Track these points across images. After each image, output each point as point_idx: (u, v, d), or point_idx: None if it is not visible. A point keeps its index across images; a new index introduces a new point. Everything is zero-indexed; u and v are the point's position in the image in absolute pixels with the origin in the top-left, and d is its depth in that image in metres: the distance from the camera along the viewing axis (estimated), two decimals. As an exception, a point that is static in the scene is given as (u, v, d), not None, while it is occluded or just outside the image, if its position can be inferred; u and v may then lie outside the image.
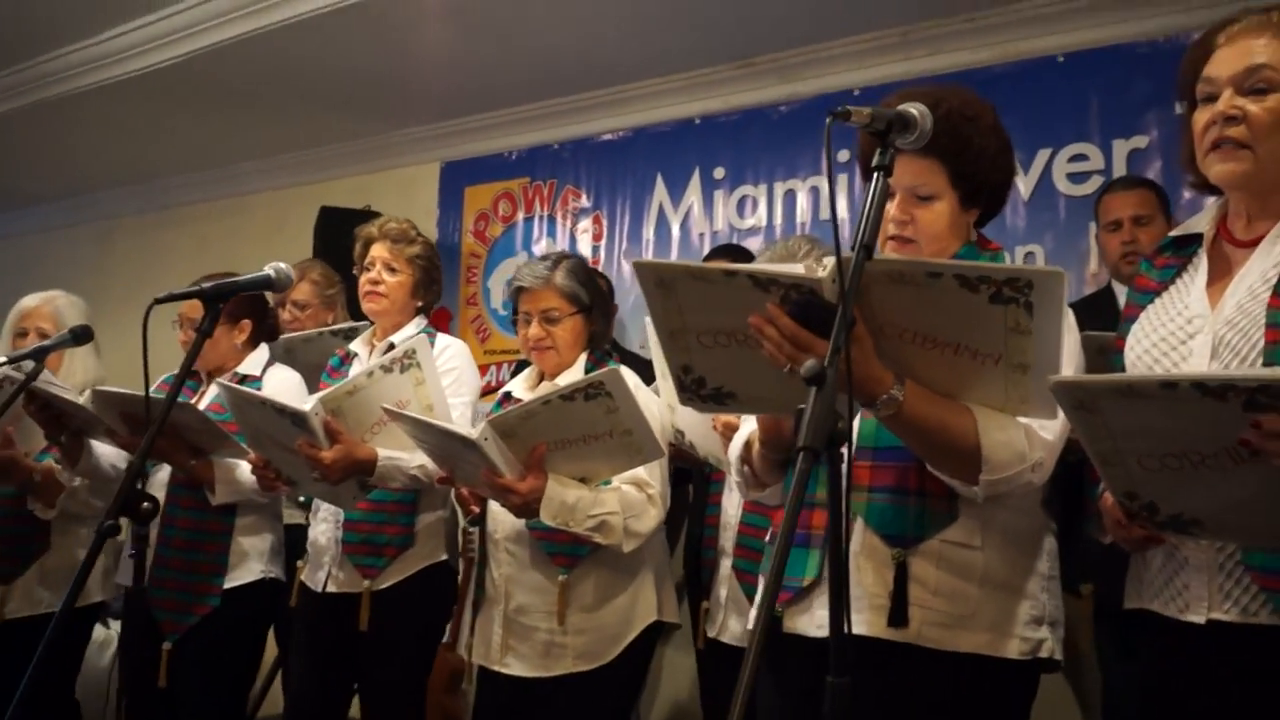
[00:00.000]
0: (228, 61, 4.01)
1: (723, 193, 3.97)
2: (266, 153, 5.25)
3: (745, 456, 1.71)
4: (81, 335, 2.42)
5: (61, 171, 5.83)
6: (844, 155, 3.49)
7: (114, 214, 6.29)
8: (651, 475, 2.19)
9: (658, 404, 2.25)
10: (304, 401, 2.51)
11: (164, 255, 5.99)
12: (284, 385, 2.63)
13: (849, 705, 1.00)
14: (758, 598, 1.71)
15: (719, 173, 3.99)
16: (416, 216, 4.50)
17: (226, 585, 2.51)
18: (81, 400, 2.49)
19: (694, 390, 1.49)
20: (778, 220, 3.81)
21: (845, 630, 1.05)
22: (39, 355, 2.38)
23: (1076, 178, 3.25)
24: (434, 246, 2.68)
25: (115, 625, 3.69)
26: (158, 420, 1.68)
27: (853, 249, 1.12)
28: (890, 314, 1.32)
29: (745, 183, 3.93)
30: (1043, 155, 3.30)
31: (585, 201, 4.35)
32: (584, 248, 4.32)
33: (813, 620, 1.53)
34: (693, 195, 4.06)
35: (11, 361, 2.42)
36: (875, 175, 1.19)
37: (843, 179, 3.65)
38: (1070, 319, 1.51)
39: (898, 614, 1.47)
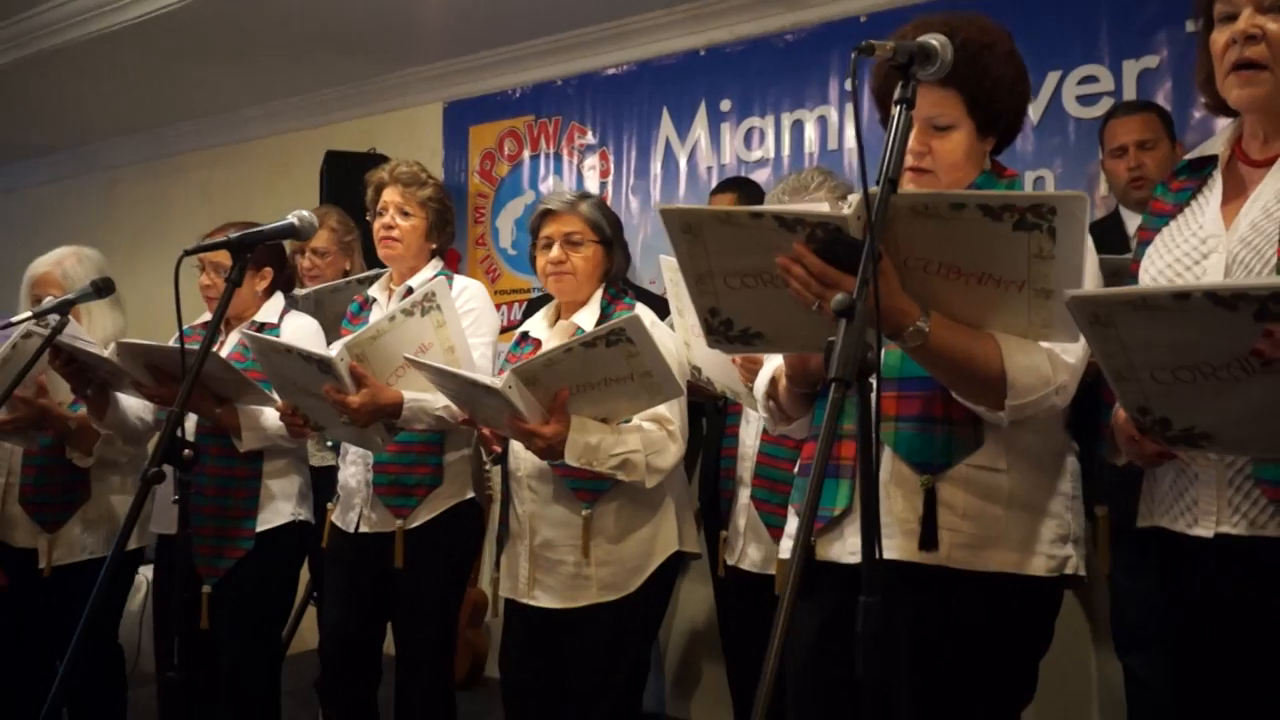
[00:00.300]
0: (228, 5, 3.98)
1: (729, 125, 3.95)
2: (269, 97, 5.24)
3: (771, 392, 1.75)
4: (103, 288, 2.44)
5: (67, 122, 5.83)
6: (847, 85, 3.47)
7: (120, 163, 6.31)
8: (671, 412, 2.24)
9: (675, 342, 2.29)
10: (323, 347, 2.54)
11: (170, 203, 6.02)
12: (303, 332, 2.66)
13: (881, 622, 1.05)
14: (791, 528, 1.74)
15: (725, 105, 3.96)
16: (421, 157, 4.48)
17: (258, 529, 2.57)
18: (106, 353, 2.51)
19: (722, 332, 1.51)
20: (785, 152, 3.80)
21: (876, 554, 1.09)
22: (63, 309, 2.39)
23: (1086, 100, 3.22)
24: (446, 192, 2.68)
25: (145, 571, 3.78)
26: (193, 370, 1.71)
27: (876, 183, 1.14)
28: (914, 247, 1.34)
29: (752, 114, 3.90)
30: (1052, 78, 3.27)
31: (591, 138, 4.34)
32: (591, 184, 4.31)
33: (845, 547, 1.57)
34: (699, 128, 4.04)
35: (37, 316, 2.44)
36: (898, 108, 1.20)
37: (849, 109, 3.63)
38: (1090, 242, 1.53)
39: (928, 538, 1.51)
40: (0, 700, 2.96)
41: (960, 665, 1.52)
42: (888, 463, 1.55)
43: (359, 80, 4.90)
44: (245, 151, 5.63)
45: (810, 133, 3.77)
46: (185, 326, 2.53)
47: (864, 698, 1.09)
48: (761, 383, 1.78)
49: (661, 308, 2.51)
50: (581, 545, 2.25)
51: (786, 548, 1.74)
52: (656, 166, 4.15)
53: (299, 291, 3.05)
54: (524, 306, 4.17)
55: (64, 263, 2.88)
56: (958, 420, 1.52)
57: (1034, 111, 3.28)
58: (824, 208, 1.21)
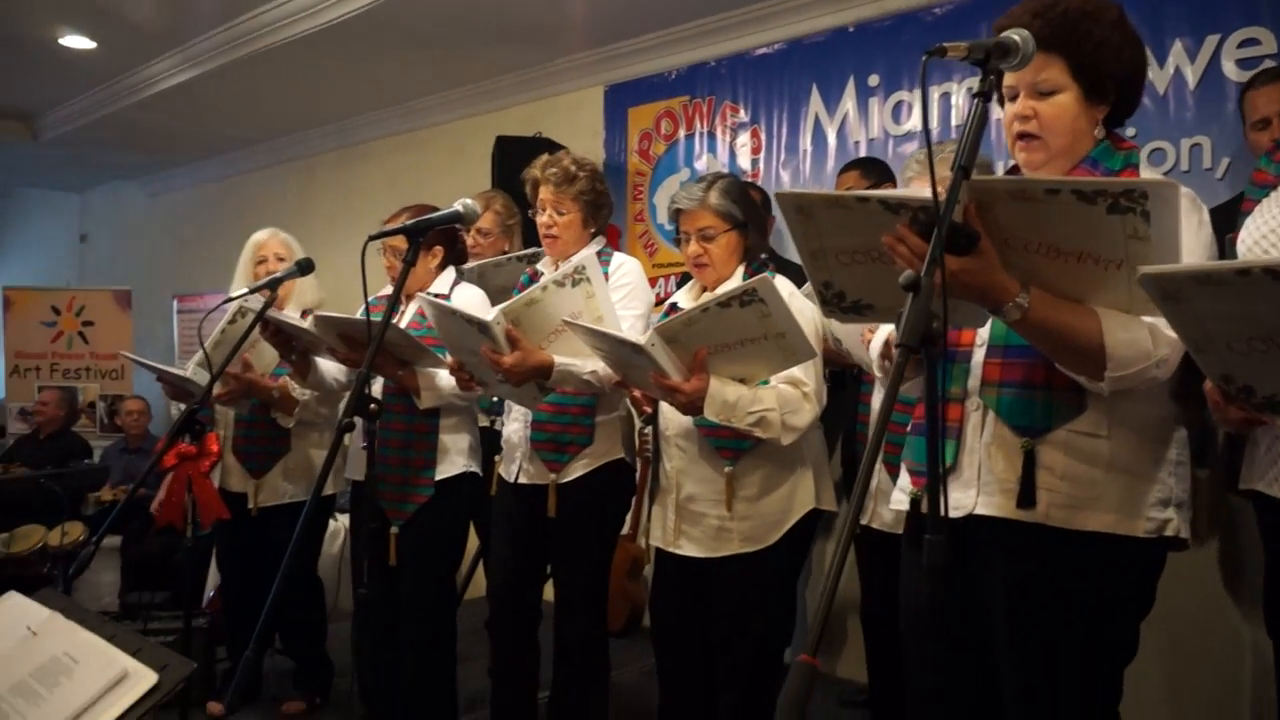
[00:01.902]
0: (409, 6, 4.29)
1: (877, 99, 4.00)
2: (444, 88, 5.57)
3: (885, 354, 1.85)
4: (306, 266, 2.79)
5: (267, 117, 6.36)
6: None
7: (313, 153, 6.83)
8: (806, 374, 2.33)
9: (811, 309, 2.36)
10: (484, 312, 2.80)
11: (358, 188, 6.49)
12: (471, 301, 2.91)
13: (943, 557, 1.19)
14: (903, 482, 1.84)
15: (873, 79, 4.01)
16: (584, 139, 4.77)
17: (437, 478, 2.85)
18: (306, 324, 2.89)
19: (835, 303, 1.62)
20: (933, 124, 3.82)
21: (941, 499, 1.22)
22: (273, 285, 2.76)
23: (1247, 64, 3.10)
24: (598, 173, 2.81)
25: (342, 520, 4.22)
26: (376, 338, 2.00)
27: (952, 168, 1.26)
28: (1014, 228, 1.40)
29: (900, 88, 3.94)
30: (1210, 41, 3.17)
31: (743, 116, 4.46)
32: (743, 162, 4.45)
33: (950, 503, 1.63)
34: (848, 103, 4.10)
35: (250, 292, 2.83)
36: (974, 101, 1.30)
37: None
38: (1201, 218, 1.56)
39: (1025, 496, 1.58)
40: (232, 619, 3.47)
41: (1057, 620, 1.59)
42: (990, 425, 1.63)
43: (526, 68, 5.17)
44: (423, 138, 6.01)
45: (959, 104, 3.77)
46: (370, 299, 2.88)
47: (930, 622, 1.21)
48: (876, 345, 1.88)
49: (804, 280, 2.63)
50: (725, 500, 2.38)
51: (899, 500, 1.86)
52: (806, 142, 4.25)
53: (465, 266, 3.35)
54: (679, 279, 4.36)
55: (279, 234, 3.39)
56: (1059, 387, 1.58)
57: (1192, 77, 3.20)
58: (926, 192, 1.31)
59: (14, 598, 1.57)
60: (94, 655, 1.32)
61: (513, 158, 4.44)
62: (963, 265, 1.39)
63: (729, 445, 2.38)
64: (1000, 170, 3.13)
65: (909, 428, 1.88)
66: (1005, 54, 1.32)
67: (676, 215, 2.49)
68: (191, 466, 2.75)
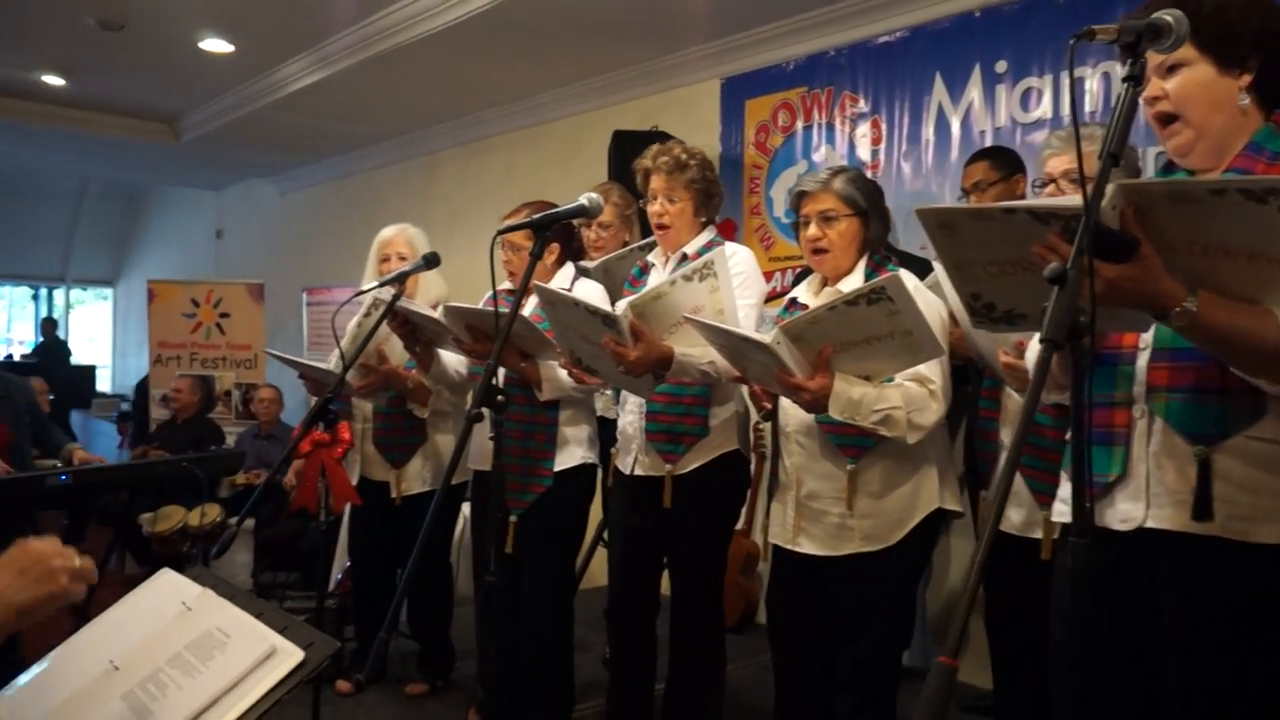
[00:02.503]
0: (531, 3, 4.36)
1: (1005, 86, 3.87)
2: (562, 83, 5.64)
3: None
4: (432, 260, 2.87)
5: (393, 115, 6.55)
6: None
7: (436, 149, 7.01)
8: (933, 372, 2.28)
9: (937, 304, 2.33)
10: (604, 304, 2.82)
11: (478, 183, 6.64)
12: (591, 295, 2.93)
13: (1088, 561, 1.14)
14: (1064, 492, 1.74)
15: (1001, 66, 3.88)
16: (700, 132, 4.76)
17: (556, 468, 2.91)
18: (435, 314, 2.97)
19: (985, 314, 1.57)
20: (1064, 111, 3.67)
21: (1087, 504, 1.17)
22: (401, 279, 2.86)
23: None
24: (708, 162, 2.81)
25: (464, 508, 4.33)
26: (505, 330, 2.04)
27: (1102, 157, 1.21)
28: (1178, 230, 1.33)
29: (1029, 74, 3.80)
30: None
31: (863, 106, 4.38)
32: (863, 153, 4.37)
33: (1116, 514, 1.58)
34: (973, 91, 3.98)
35: (380, 285, 2.93)
36: (1125, 86, 1.25)
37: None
38: None
39: (1202, 508, 1.49)
40: (361, 601, 3.60)
41: (1235, 637, 1.50)
42: (1158, 433, 1.55)
43: (641, 63, 5.19)
44: (542, 134, 6.10)
45: (1093, 88, 3.63)
46: (490, 292, 2.94)
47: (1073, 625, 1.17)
48: (1032, 353, 1.83)
49: (925, 272, 2.58)
50: (846, 498, 2.35)
51: (1060, 511, 1.76)
52: (929, 132, 4.14)
53: (588, 263, 3.38)
54: (796, 274, 4.31)
55: (407, 229, 3.49)
56: (1235, 391, 1.48)
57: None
58: (1077, 200, 1.25)
59: (168, 574, 1.66)
60: (244, 631, 1.38)
61: (630, 152, 4.42)
62: (1122, 273, 1.33)
63: (851, 442, 2.35)
64: (1149, 161, 3.01)
65: (1067, 434, 1.81)
66: (1157, 36, 1.26)
67: (799, 200, 2.46)
68: (325, 453, 2.86)
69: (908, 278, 2.19)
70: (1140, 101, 1.47)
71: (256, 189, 9.50)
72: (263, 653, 1.33)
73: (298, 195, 8.96)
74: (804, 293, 2.54)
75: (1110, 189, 1.29)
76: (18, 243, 12.57)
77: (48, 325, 12.10)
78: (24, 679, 1.42)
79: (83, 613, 3.75)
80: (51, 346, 11.72)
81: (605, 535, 4.22)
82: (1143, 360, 1.58)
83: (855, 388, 2.20)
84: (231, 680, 1.31)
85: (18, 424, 4.00)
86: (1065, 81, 3.69)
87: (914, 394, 2.26)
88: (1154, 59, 1.50)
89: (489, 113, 6.33)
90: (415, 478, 3.44)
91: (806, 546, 2.43)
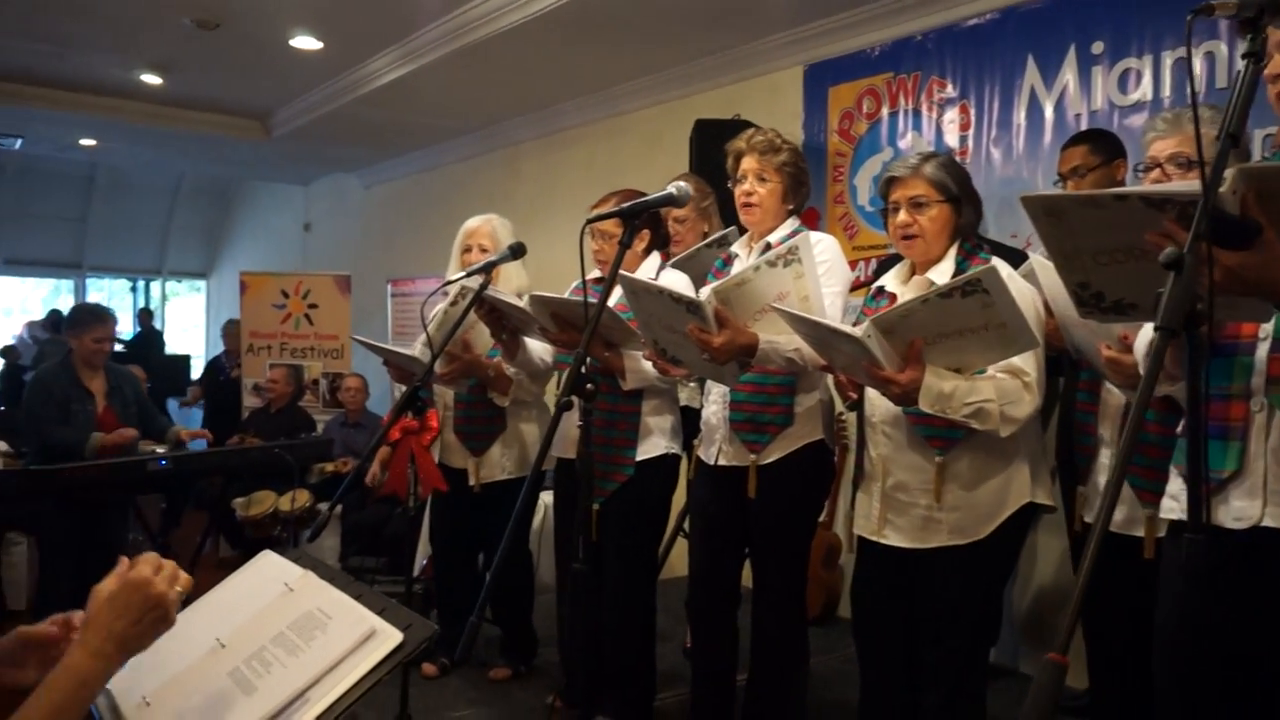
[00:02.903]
0: (607, -4, 4.38)
1: (1102, 68, 3.75)
2: (643, 73, 5.64)
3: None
4: (517, 250, 2.90)
5: (475, 108, 6.63)
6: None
7: (517, 140, 7.08)
8: (1027, 364, 2.22)
9: (1032, 294, 2.27)
10: (689, 292, 2.81)
11: (559, 174, 6.68)
12: (678, 284, 2.92)
13: (1203, 558, 1.10)
14: (1174, 488, 1.69)
15: (1097, 47, 3.76)
16: (782, 121, 4.71)
17: (638, 458, 2.92)
18: (521, 303, 2.99)
19: (1094, 304, 1.52)
20: (1165, 93, 3.55)
21: (1203, 498, 1.12)
22: (488, 269, 2.90)
23: None
24: (800, 151, 2.81)
25: (544, 496, 4.37)
26: (594, 318, 2.05)
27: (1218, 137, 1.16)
28: None
29: (1128, 55, 3.67)
30: None
31: (951, 91, 4.29)
32: (951, 138, 4.28)
33: (1229, 512, 1.54)
34: (1068, 73, 3.87)
35: (467, 275, 2.96)
36: (1245, 63, 1.19)
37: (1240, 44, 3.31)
38: None
39: None
40: (443, 587, 3.67)
41: None
42: (1278, 428, 1.49)
43: (723, 51, 5.15)
44: (622, 124, 6.10)
45: (1197, 68, 3.48)
46: (577, 282, 2.95)
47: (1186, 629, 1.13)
48: (1141, 344, 1.76)
49: (1017, 262, 2.51)
50: (934, 490, 2.30)
51: (1169, 508, 1.71)
52: (1020, 116, 4.04)
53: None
54: (876, 264, 4.24)
55: (492, 220, 3.51)
56: None
57: None
58: (1195, 185, 1.20)
59: (269, 556, 1.71)
60: (345, 612, 1.41)
61: (711, 141, 4.44)
62: (1243, 260, 1.28)
63: (939, 434, 2.30)
64: (1256, 144, 2.88)
65: (1178, 428, 1.74)
66: None
67: (888, 185, 2.42)
68: (414, 440, 2.91)
69: (1002, 267, 2.13)
70: (1262, 79, 1.41)
71: (343, 183, 9.71)
72: (363, 634, 1.35)
73: (382, 189, 9.13)
74: (892, 281, 2.50)
75: (1229, 173, 1.24)
76: (117, 237, 13.09)
77: (144, 316, 12.55)
78: (135, 655, 1.46)
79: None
80: (148, 337, 12.15)
81: (686, 525, 4.23)
82: (1262, 351, 1.53)
83: (946, 380, 2.16)
84: (333, 660, 1.34)
85: (125, 413, 4.18)
86: (1166, 62, 3.57)
87: (1007, 386, 2.21)
88: (1275, 34, 1.44)
89: (570, 104, 6.35)
90: (494, 466, 3.48)
91: (893, 539, 2.39)
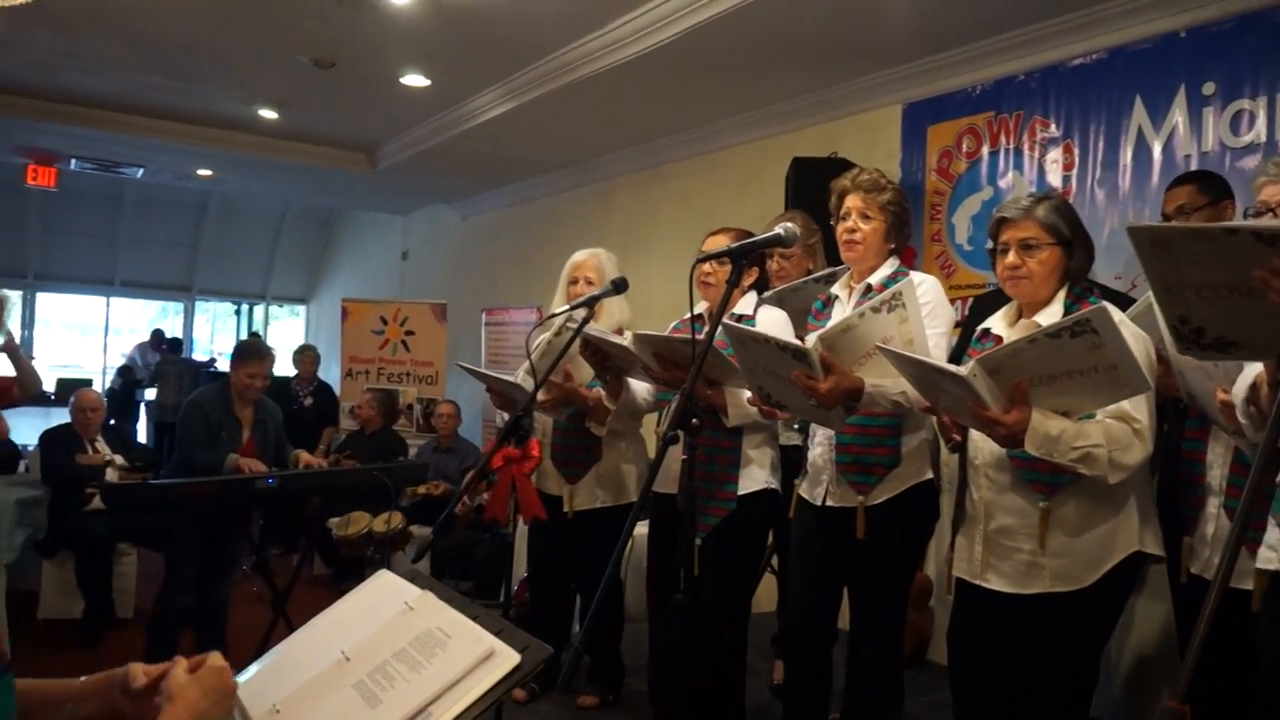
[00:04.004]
0: (710, 35, 4.43)
1: (1213, 110, 3.67)
2: (740, 109, 5.69)
3: (1252, 398, 1.70)
4: (620, 286, 2.95)
5: (572, 142, 6.77)
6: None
7: (612, 175, 7.19)
8: (1137, 409, 2.18)
9: (1144, 338, 2.23)
10: (791, 336, 2.83)
11: (653, 209, 6.76)
12: (775, 323, 2.97)
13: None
14: (1272, 538, 1.68)
15: (1209, 88, 3.68)
16: (879, 159, 4.72)
17: (739, 492, 2.93)
18: (625, 342, 3.04)
19: (1193, 340, 1.51)
20: (1280, 135, 3.48)
21: None
22: (590, 303, 2.94)
23: None
24: (903, 192, 2.82)
25: (639, 527, 4.40)
26: (701, 355, 2.08)
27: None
28: None
29: (1241, 96, 3.59)
30: None
31: (1054, 130, 4.24)
32: (1053, 178, 4.23)
33: None
34: (1177, 114, 3.79)
35: (572, 309, 3.03)
36: None
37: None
38: None
39: None
40: (537, 612, 3.73)
41: None
42: None
43: (821, 89, 5.18)
44: (719, 160, 6.15)
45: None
46: (675, 322, 2.99)
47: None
48: (1240, 389, 1.74)
49: (1124, 305, 2.47)
50: (1038, 535, 2.27)
51: (1267, 558, 1.69)
52: (1126, 157, 3.97)
53: (765, 294, 3.41)
54: (970, 303, 4.19)
55: (599, 255, 3.58)
56: None
57: None
58: None
59: (387, 575, 1.77)
60: (464, 632, 1.46)
61: (808, 178, 4.48)
62: None
63: (1044, 479, 2.27)
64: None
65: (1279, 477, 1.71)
66: None
67: (998, 226, 2.40)
68: (515, 469, 2.97)
69: (1114, 311, 2.11)
70: None
71: (440, 213, 9.98)
72: (482, 653, 1.40)
73: (478, 220, 9.36)
74: (998, 323, 2.48)
75: None
76: (225, 262, 13.68)
77: (252, 340, 13.03)
78: (258, 665, 1.54)
79: (280, 610, 4.01)
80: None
81: (773, 563, 4.22)
82: None
83: (1053, 423, 2.13)
84: (453, 678, 1.39)
85: (265, 445, 4.38)
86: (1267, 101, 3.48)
87: (1116, 432, 2.17)
88: None
89: (666, 139, 6.44)
90: (588, 494, 3.53)
91: (994, 583, 2.36)
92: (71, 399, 5.63)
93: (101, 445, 5.57)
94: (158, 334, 12.49)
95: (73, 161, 8.73)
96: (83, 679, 1.40)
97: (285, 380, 7.96)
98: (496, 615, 1.52)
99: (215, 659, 1.38)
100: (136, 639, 4.47)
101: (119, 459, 5.51)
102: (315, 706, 1.45)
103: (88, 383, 11.53)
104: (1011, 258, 2.34)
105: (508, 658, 1.39)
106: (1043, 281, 2.33)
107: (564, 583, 3.75)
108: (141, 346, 12.51)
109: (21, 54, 5.67)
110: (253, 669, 1.51)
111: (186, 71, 5.95)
